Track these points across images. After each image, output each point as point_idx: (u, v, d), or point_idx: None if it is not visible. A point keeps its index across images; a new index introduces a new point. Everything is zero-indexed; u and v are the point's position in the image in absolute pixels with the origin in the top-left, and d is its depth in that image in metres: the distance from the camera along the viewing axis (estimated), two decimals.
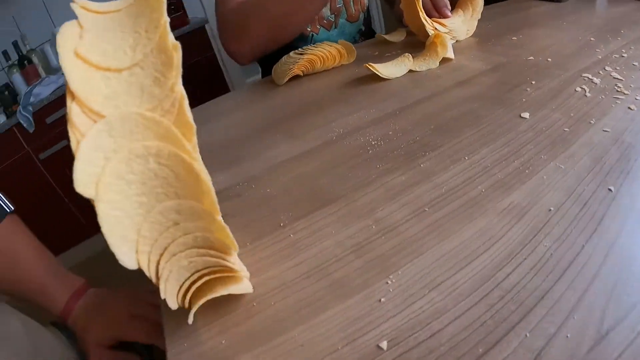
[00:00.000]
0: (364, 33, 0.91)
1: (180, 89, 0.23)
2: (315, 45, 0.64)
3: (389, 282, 0.26)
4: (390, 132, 0.42)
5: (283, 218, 0.34)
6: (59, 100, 1.56)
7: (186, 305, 0.25)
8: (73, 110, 0.21)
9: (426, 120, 0.43)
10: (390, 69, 0.57)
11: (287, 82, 0.64)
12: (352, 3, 0.85)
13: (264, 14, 0.68)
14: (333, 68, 0.66)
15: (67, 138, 0.21)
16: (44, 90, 1.56)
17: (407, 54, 0.58)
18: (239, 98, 0.65)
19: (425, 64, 0.57)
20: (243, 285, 0.27)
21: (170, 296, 0.24)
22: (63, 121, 1.56)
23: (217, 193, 0.25)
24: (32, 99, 1.55)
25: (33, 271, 0.47)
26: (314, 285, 0.28)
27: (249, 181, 0.41)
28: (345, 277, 0.27)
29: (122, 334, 0.45)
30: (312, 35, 0.83)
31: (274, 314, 0.26)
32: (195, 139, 0.24)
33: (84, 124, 0.21)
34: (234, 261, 0.27)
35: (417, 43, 0.65)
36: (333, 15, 0.83)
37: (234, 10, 0.71)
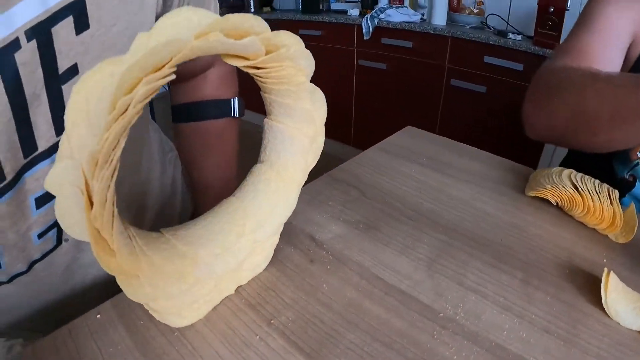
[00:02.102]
0: None
1: None
2: (598, 186, 0.44)
3: None
4: None
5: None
6: (400, 32, 1.74)
7: None
8: None
9: None
10: (617, 307, 0.34)
11: (533, 197, 0.49)
12: None
13: (574, 96, 0.48)
14: (592, 228, 0.45)
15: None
16: (395, 16, 1.76)
17: None
18: None
19: None
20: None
21: None
22: (387, 50, 1.77)
23: None
24: (382, 15, 1.78)
25: (211, 170, 0.54)
26: None
27: None
28: None
29: None
30: (638, 163, 0.57)
31: None
32: None
33: None
34: None
35: None
36: None
37: (553, 71, 0.55)
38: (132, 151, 0.46)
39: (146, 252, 0.27)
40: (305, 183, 0.39)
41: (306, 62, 0.31)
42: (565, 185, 0.44)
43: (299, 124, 0.36)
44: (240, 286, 0.38)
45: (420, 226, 0.45)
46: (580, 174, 0.46)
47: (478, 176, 0.53)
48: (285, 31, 0.27)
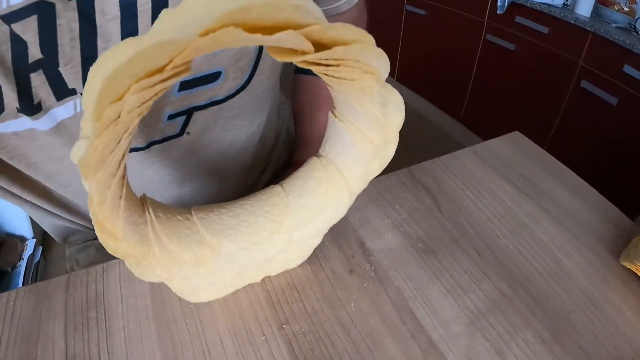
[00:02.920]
0: None
1: None
2: None
3: None
4: None
5: None
6: (538, 14, 1.45)
7: None
8: None
9: None
10: None
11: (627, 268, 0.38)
12: None
13: None
14: None
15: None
16: None
17: None
18: None
19: None
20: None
21: None
22: (520, 30, 1.50)
23: None
24: None
25: (321, 122, 0.54)
26: None
27: None
28: None
29: None
30: None
31: None
32: None
33: None
34: None
35: None
36: None
37: None
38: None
39: (162, 237, 0.26)
40: (384, 170, 0.34)
41: (378, 63, 0.26)
42: None
43: (364, 129, 0.31)
44: (268, 277, 0.36)
45: (486, 266, 0.38)
46: None
47: (574, 220, 0.42)
48: (346, 25, 0.22)
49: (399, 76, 2.09)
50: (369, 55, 0.25)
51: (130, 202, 0.23)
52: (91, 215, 0.21)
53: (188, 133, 0.40)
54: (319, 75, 0.27)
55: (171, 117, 0.37)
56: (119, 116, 0.17)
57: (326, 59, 0.23)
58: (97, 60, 0.18)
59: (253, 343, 0.32)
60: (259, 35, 0.18)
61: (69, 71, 0.30)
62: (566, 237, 0.41)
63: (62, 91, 0.31)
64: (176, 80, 0.17)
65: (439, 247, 0.40)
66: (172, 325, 0.33)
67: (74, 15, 0.28)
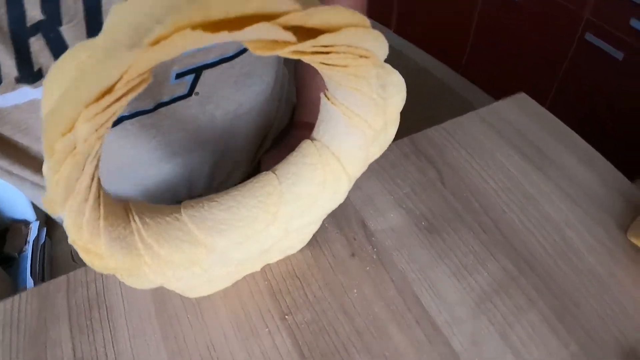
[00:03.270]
0: None
1: None
2: None
3: None
4: None
5: None
6: None
7: None
8: None
9: None
10: None
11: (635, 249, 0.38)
12: None
13: None
14: None
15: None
16: None
17: None
18: None
19: None
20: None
21: None
22: None
23: None
24: None
25: (313, 92, 0.53)
26: None
27: None
28: None
29: None
30: None
31: None
32: None
33: None
34: None
35: None
36: None
37: None
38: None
39: (152, 245, 0.25)
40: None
41: (374, 46, 0.23)
42: None
43: (361, 113, 0.29)
44: (268, 265, 0.36)
45: (491, 244, 0.37)
46: None
47: (582, 190, 0.41)
48: (333, 7, 0.19)
49: (397, 29, 2.00)
50: (363, 39, 0.22)
51: (112, 217, 0.22)
52: (70, 242, 0.19)
53: (197, 93, 0.38)
54: (308, 62, 0.24)
55: (179, 75, 0.36)
56: (75, 147, 0.15)
57: (313, 47, 0.21)
58: (52, 67, 0.15)
59: (257, 336, 0.32)
60: (225, 33, 0.15)
61: (71, 29, 0.29)
62: (574, 211, 0.39)
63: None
64: (133, 95, 0.15)
65: (443, 225, 0.39)
66: (175, 321, 0.33)
67: None
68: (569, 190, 0.41)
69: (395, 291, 0.34)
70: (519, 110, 0.49)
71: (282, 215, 0.31)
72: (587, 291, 0.34)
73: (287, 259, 0.36)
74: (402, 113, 0.30)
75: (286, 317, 0.33)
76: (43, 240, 1.07)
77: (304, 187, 0.32)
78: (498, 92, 1.58)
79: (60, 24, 0.28)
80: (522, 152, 0.44)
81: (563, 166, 0.43)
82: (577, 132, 0.47)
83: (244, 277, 0.35)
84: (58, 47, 0.29)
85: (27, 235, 1.04)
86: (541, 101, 0.50)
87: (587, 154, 0.44)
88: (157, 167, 0.42)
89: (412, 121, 0.46)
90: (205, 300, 0.34)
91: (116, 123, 0.36)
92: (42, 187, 0.41)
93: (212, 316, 0.33)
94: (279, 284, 0.35)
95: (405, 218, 0.39)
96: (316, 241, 0.37)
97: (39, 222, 1.10)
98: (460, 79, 1.84)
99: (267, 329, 0.32)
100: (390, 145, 0.45)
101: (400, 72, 0.27)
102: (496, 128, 0.47)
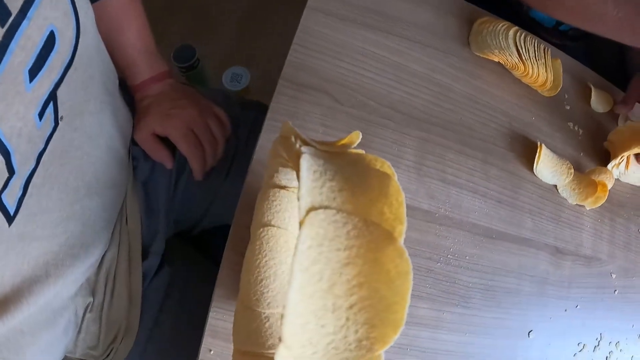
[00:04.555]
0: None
1: None
2: (538, 50, 0.53)
3: None
4: None
5: None
6: None
7: None
8: None
9: None
10: (544, 170, 0.52)
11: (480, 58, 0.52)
12: None
13: None
14: (527, 85, 0.55)
15: None
16: None
17: (570, 165, 0.52)
18: None
19: (573, 195, 0.53)
20: None
21: None
22: None
23: None
24: None
25: (130, 44, 0.53)
26: None
27: None
28: None
29: (171, 134, 0.51)
30: None
31: None
32: None
33: None
34: None
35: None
36: None
37: None
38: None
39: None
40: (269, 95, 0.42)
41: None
42: (512, 54, 0.50)
43: None
44: None
45: (399, 127, 0.51)
46: (524, 34, 0.51)
47: (427, 31, 0.49)
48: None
49: None
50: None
51: None
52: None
53: (62, 118, 0.37)
54: None
55: (41, 115, 0.34)
56: None
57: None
58: None
59: None
60: None
61: None
62: (429, 54, 0.50)
63: None
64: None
65: (365, 138, 0.51)
66: None
67: None
68: (419, 37, 0.50)
69: None
70: None
71: None
72: (467, 111, 0.51)
73: None
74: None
75: None
76: None
77: None
78: None
79: None
80: (369, 25, 0.50)
81: (406, 17, 0.50)
82: None
83: None
84: None
85: None
86: None
87: None
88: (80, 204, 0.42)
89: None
90: None
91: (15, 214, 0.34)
92: None
93: None
94: None
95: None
96: None
97: None
98: None
99: None
100: (276, 95, 0.49)
101: None
102: (334, 12, 0.50)
